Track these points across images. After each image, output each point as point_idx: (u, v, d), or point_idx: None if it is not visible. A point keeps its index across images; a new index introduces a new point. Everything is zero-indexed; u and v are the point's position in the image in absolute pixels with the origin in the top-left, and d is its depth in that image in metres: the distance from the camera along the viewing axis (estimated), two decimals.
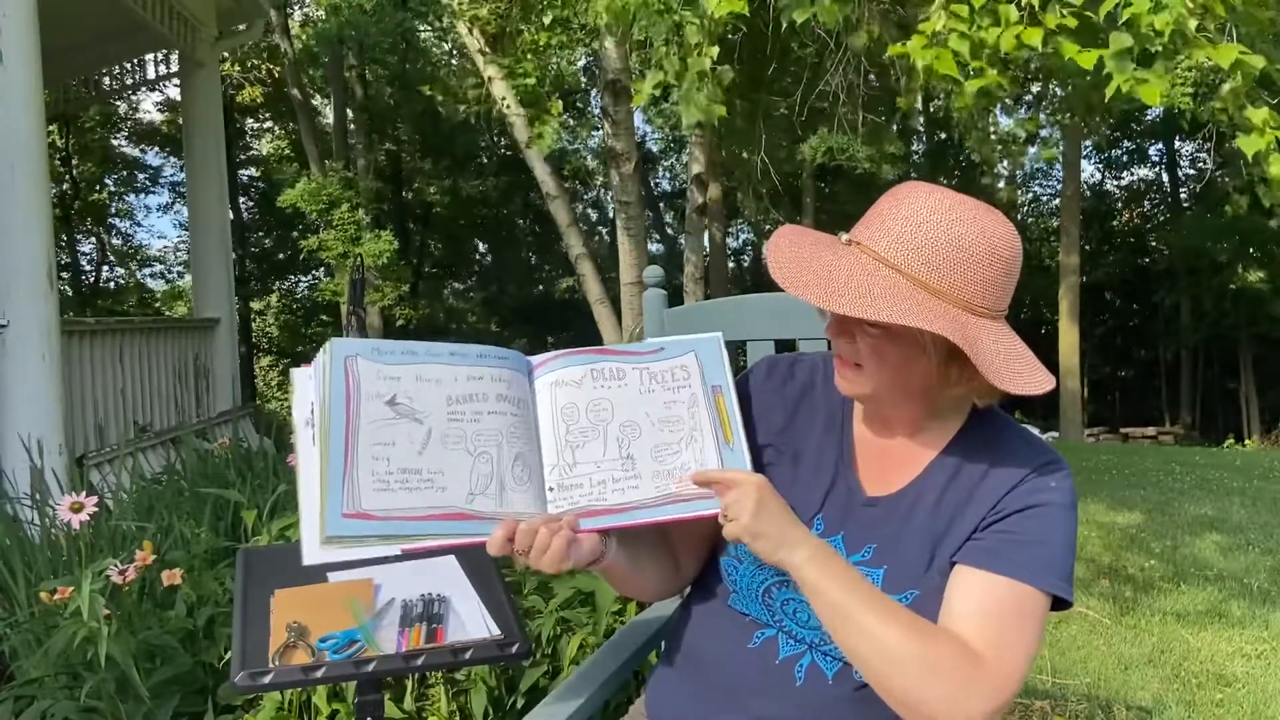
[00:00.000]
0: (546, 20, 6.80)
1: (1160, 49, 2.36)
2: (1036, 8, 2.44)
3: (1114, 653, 3.08)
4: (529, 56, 7.30)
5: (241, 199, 20.01)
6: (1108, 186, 23.60)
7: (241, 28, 7.26)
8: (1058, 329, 15.57)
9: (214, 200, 6.60)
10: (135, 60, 7.53)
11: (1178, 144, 20.81)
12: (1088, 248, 20.32)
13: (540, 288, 24.02)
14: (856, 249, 0.98)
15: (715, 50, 2.93)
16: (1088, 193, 21.15)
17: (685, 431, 1.04)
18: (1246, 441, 15.39)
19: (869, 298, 0.92)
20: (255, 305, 20.84)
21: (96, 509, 2.10)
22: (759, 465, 1.06)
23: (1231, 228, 16.72)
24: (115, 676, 1.94)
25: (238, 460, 3.81)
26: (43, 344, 3.72)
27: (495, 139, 18.73)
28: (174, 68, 7.15)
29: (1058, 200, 19.06)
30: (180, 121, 10.29)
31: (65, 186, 18.19)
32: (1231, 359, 20.16)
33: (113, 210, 20.65)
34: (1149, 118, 18.91)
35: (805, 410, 1.13)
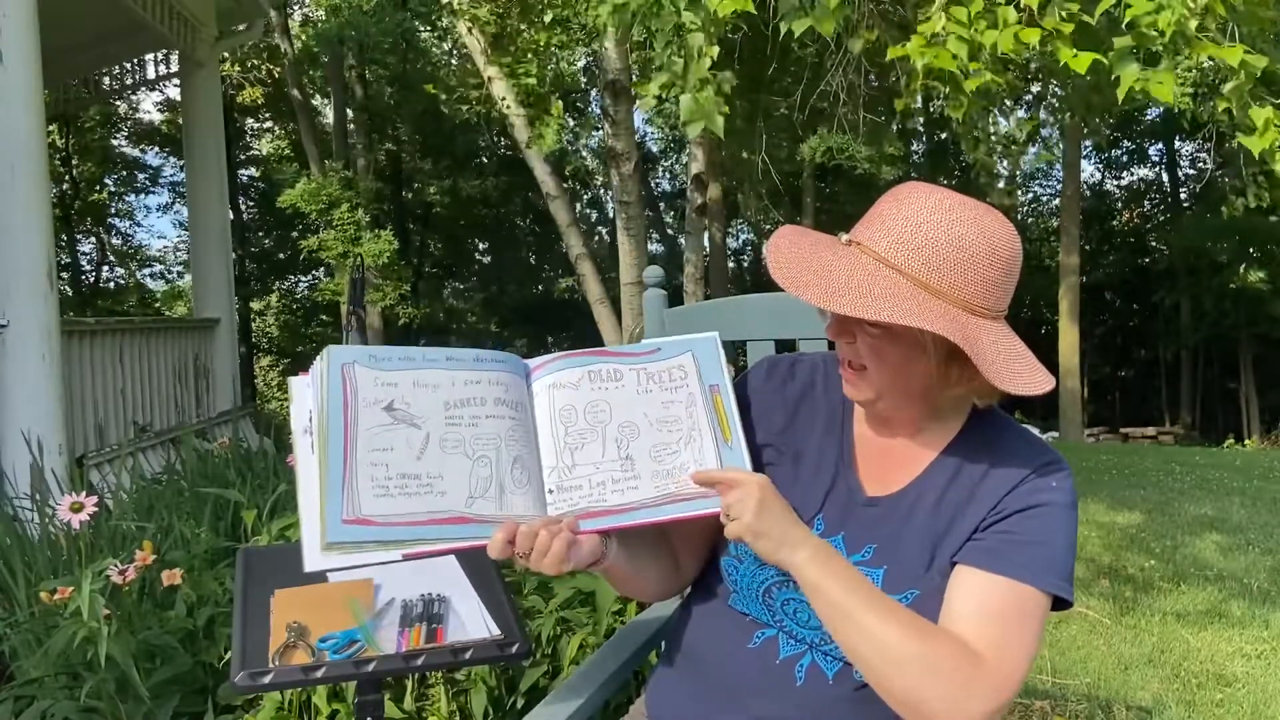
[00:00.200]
0: (547, 20, 6.81)
1: (1162, 48, 2.36)
2: (1035, 10, 2.44)
3: (1114, 653, 3.08)
4: (529, 56, 7.30)
5: (241, 199, 20.01)
6: (1108, 186, 23.62)
7: (241, 28, 7.26)
8: (1058, 329, 15.56)
9: (214, 200, 6.61)
10: (135, 60, 7.54)
11: (1178, 144, 20.82)
12: (1088, 248, 20.32)
13: (540, 288, 24.03)
14: (857, 249, 0.98)
15: (715, 50, 2.93)
16: (1088, 193, 21.16)
17: (684, 431, 1.04)
18: (1246, 441, 15.39)
19: (869, 298, 0.92)
20: (255, 305, 20.84)
21: (96, 509, 2.10)
22: (758, 464, 1.06)
23: (1231, 228, 16.71)
24: (115, 676, 1.94)
25: (238, 460, 3.81)
26: (43, 344, 3.72)
27: (495, 139, 18.74)
28: (174, 68, 7.15)
29: (1058, 200, 19.07)
30: (180, 121, 10.29)
31: (65, 186, 18.19)
32: (1231, 359, 20.16)
33: (113, 210, 20.65)
34: (1149, 118, 18.92)
35: (806, 410, 1.13)
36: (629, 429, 1.03)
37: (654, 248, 20.08)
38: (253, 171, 21.12)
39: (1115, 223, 23.07)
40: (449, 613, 1.10)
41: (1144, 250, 22.69)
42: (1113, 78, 2.46)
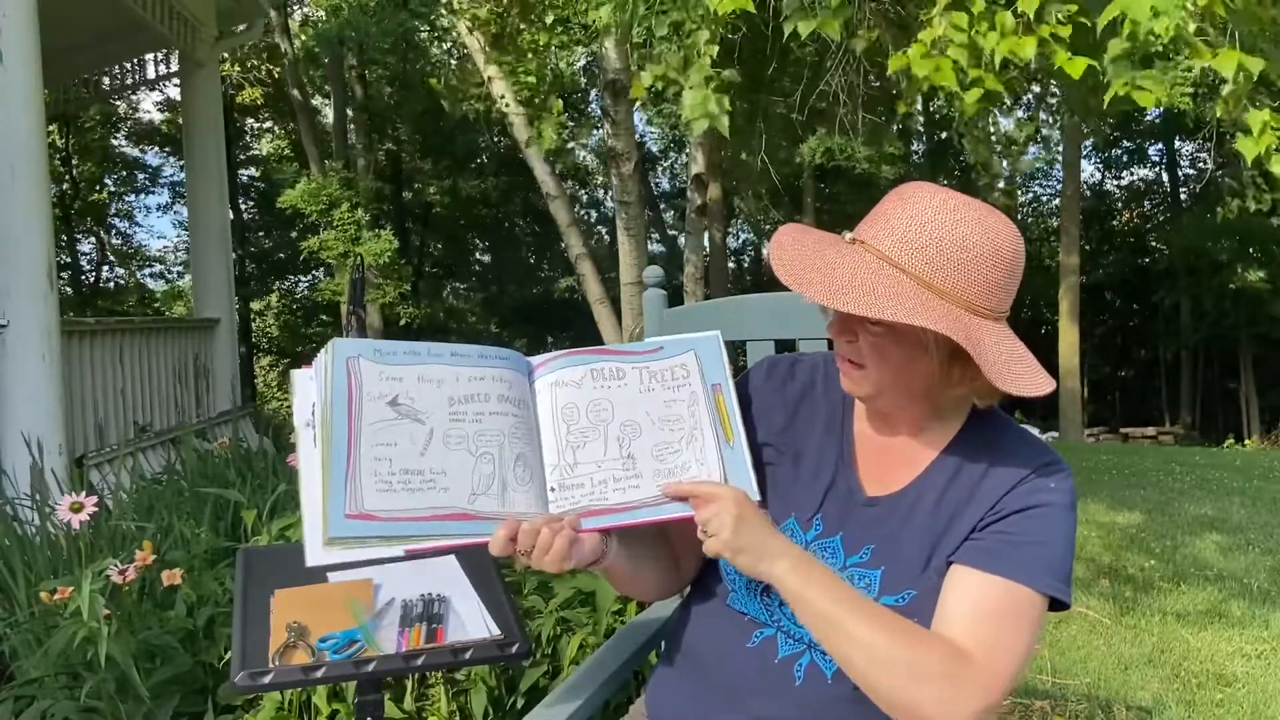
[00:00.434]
0: (548, 20, 6.80)
1: (1159, 50, 2.36)
2: (1032, 16, 2.44)
3: (1114, 653, 3.08)
4: (529, 56, 7.30)
5: (241, 199, 20.01)
6: (1108, 186, 23.62)
7: (241, 28, 7.26)
8: (1058, 329, 15.56)
9: (214, 200, 6.61)
10: (135, 60, 7.54)
11: (1178, 144, 20.81)
12: (1088, 248, 20.32)
13: (540, 288, 24.02)
14: (860, 247, 0.98)
15: (715, 50, 2.93)
16: (1088, 193, 21.15)
17: (685, 430, 1.04)
18: (1246, 441, 15.39)
19: (872, 296, 0.92)
20: (255, 305, 20.83)
21: (96, 509, 2.11)
22: (759, 464, 1.06)
23: (1231, 228, 16.71)
24: (115, 676, 1.94)
25: (238, 460, 3.81)
26: (43, 344, 3.72)
27: (495, 139, 18.74)
28: (174, 68, 7.15)
29: (1058, 200, 19.07)
30: (180, 121, 10.28)
31: (65, 186, 18.19)
32: (1231, 359, 20.16)
33: (113, 210, 20.65)
34: (1149, 118, 18.91)
35: (806, 410, 1.13)
36: (631, 428, 1.03)
37: (654, 248, 20.08)
38: (253, 171, 21.12)
39: (1115, 223, 23.07)
40: (449, 613, 1.09)
41: (1144, 250, 22.68)
42: (1101, 79, 2.46)
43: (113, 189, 20.32)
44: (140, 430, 5.27)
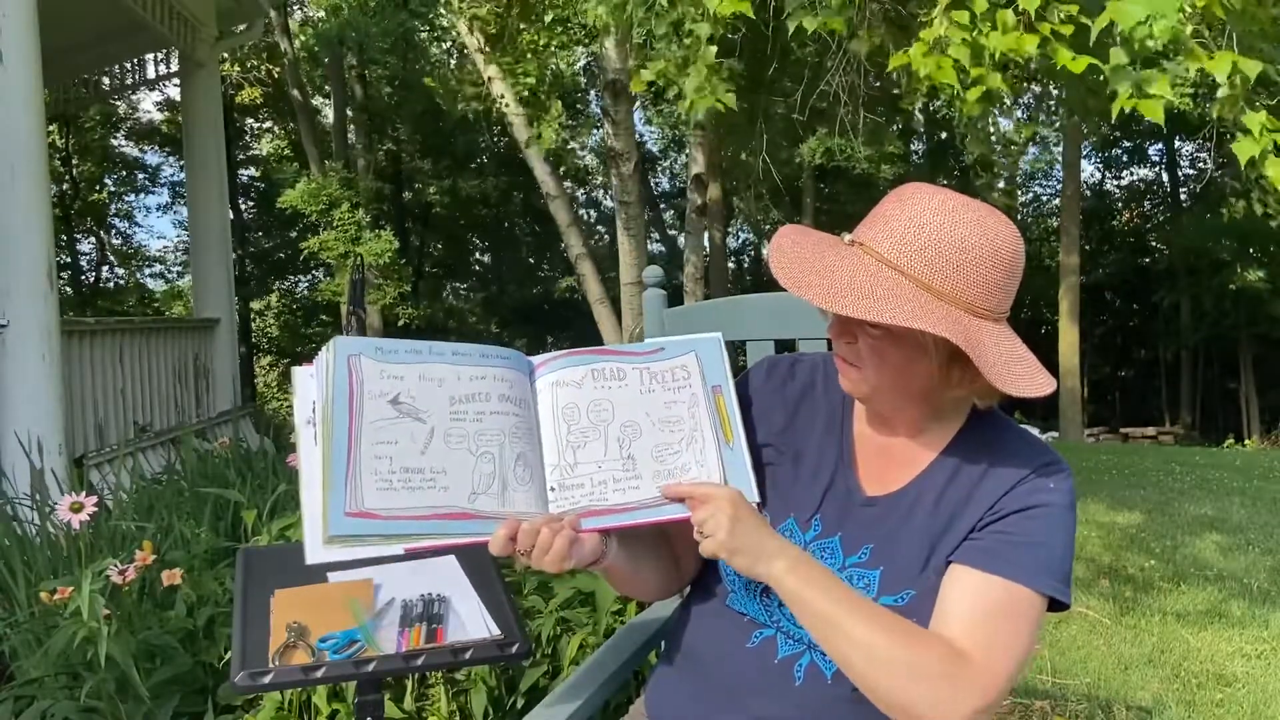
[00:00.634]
0: (547, 20, 6.81)
1: (1159, 52, 2.36)
2: (1033, 15, 2.44)
3: (1114, 653, 3.08)
4: (529, 56, 7.30)
5: (241, 199, 20.01)
6: (1108, 186, 23.62)
7: (241, 28, 7.26)
8: (1058, 329, 15.56)
9: (214, 200, 6.61)
10: (135, 60, 7.54)
11: (1178, 144, 20.80)
12: (1088, 248, 20.32)
13: (540, 288, 24.02)
14: (859, 249, 0.98)
15: (714, 50, 2.93)
16: (1088, 193, 21.15)
17: (685, 431, 1.04)
18: (1246, 441, 15.39)
19: (871, 299, 0.92)
20: (255, 305, 20.84)
21: (96, 509, 2.11)
22: (759, 465, 1.06)
23: (1231, 228, 16.72)
24: (115, 676, 1.94)
25: (238, 460, 3.81)
26: (43, 344, 3.72)
27: (495, 139, 18.74)
28: (174, 68, 7.15)
29: (1058, 200, 19.07)
30: (180, 121, 10.29)
31: (65, 186, 18.19)
32: (1231, 359, 20.16)
33: (112, 210, 20.65)
34: (1149, 118, 18.87)
35: (806, 410, 1.13)
36: (631, 428, 1.03)
37: (654, 248, 20.09)
38: (253, 171, 21.13)
39: (1115, 223, 23.07)
40: (449, 613, 1.09)
41: (1144, 250, 22.69)
42: (1108, 91, 2.46)
43: (113, 189, 20.32)
44: (140, 430, 5.27)
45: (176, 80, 7.14)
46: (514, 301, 22.98)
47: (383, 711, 1.10)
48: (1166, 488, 6.19)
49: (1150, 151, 21.90)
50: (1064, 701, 2.66)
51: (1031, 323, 20.38)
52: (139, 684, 1.92)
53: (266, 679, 1.00)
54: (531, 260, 23.89)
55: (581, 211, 22.49)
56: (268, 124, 20.79)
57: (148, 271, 22.04)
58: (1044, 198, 23.67)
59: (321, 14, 11.57)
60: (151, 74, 7.67)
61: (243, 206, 20.30)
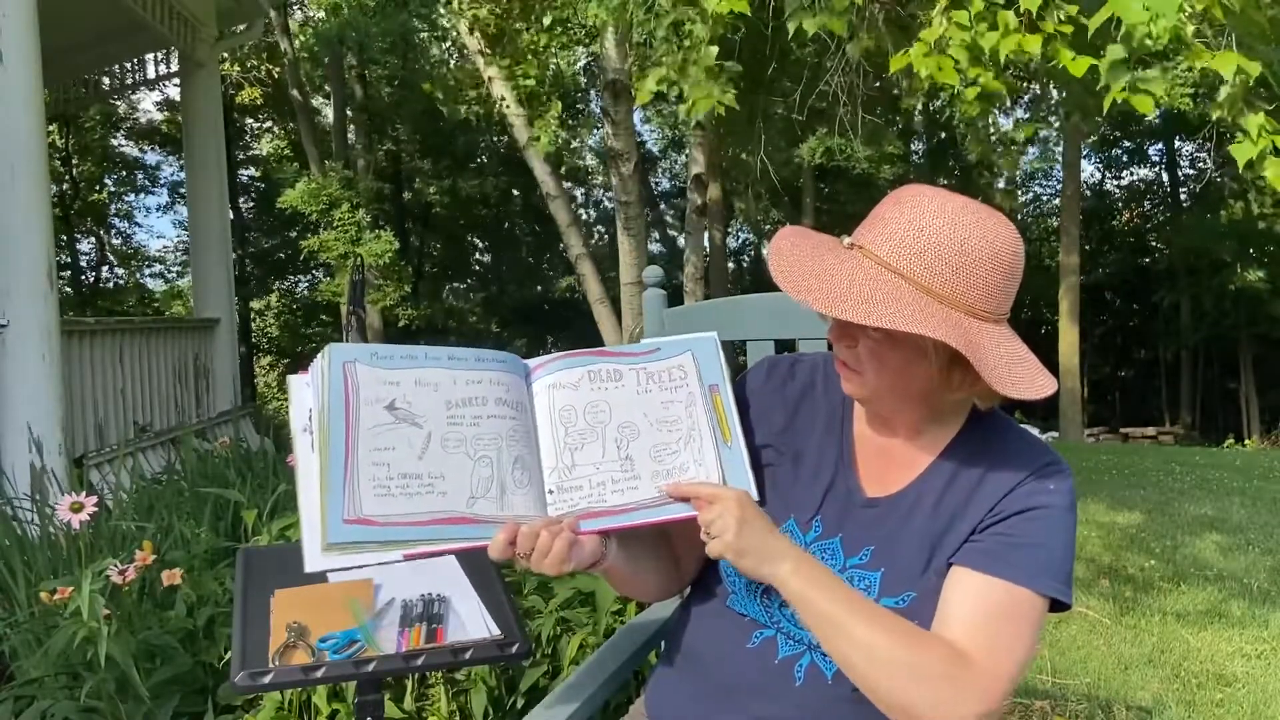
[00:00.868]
0: (546, 21, 6.81)
1: (1159, 51, 2.36)
2: (1034, 15, 2.44)
3: (1114, 653, 3.08)
4: (529, 58, 7.30)
5: (241, 199, 20.01)
6: (1108, 186, 23.62)
7: (241, 28, 7.26)
8: (1058, 329, 15.56)
9: (214, 200, 6.61)
10: (135, 60, 7.54)
11: (1178, 144, 20.82)
12: (1088, 248, 20.32)
13: (540, 288, 24.02)
14: (859, 253, 0.98)
15: (714, 50, 2.93)
16: (1088, 193, 21.15)
17: (683, 431, 1.04)
18: (1246, 441, 15.39)
19: (870, 303, 0.92)
20: (255, 305, 20.84)
21: (96, 509, 2.10)
22: (757, 465, 1.06)
23: (1232, 228, 16.73)
24: (115, 676, 1.94)
25: (238, 460, 3.81)
26: (43, 344, 3.72)
27: (496, 139, 18.74)
28: (174, 68, 7.15)
29: (1058, 200, 19.06)
30: (180, 121, 10.29)
31: (65, 186, 18.19)
32: (1231, 359, 20.16)
33: (112, 210, 20.65)
34: (1149, 118, 18.91)
35: (806, 410, 1.13)
36: (629, 429, 1.03)
37: (654, 248, 20.08)
38: (253, 171, 21.12)
39: (1115, 223, 23.08)
40: (449, 613, 1.10)
41: (1144, 250, 22.69)
42: (1099, 86, 2.46)
43: (113, 189, 20.32)
44: (140, 430, 5.27)
45: (176, 80, 7.14)
46: (514, 301, 22.98)
47: (383, 711, 1.10)
48: (1166, 488, 6.19)
49: (1150, 151, 21.92)
50: (1064, 701, 2.66)
51: (1031, 323, 20.38)
52: (139, 684, 1.92)
53: (266, 679, 1.00)
54: (531, 260, 23.89)
55: (581, 211, 22.49)
56: (268, 124, 20.78)
57: (147, 271, 22.06)
58: (1044, 198, 23.69)
59: (321, 14, 11.57)
60: (151, 74, 7.67)
61: (243, 206, 20.30)
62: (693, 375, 1.08)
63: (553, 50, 7.58)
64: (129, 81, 8.09)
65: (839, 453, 1.09)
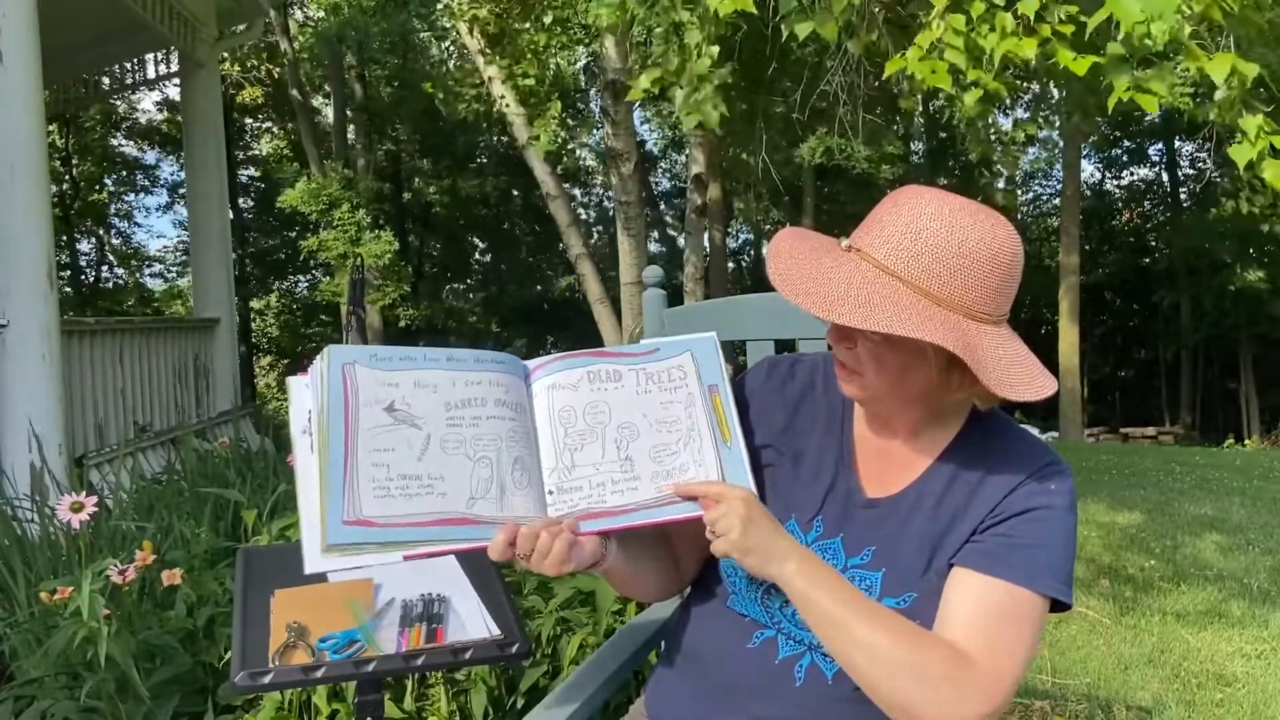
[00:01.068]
0: (546, 21, 6.80)
1: (1158, 52, 2.36)
2: (1032, 18, 2.44)
3: (1114, 653, 3.08)
4: (529, 57, 7.30)
5: (241, 199, 20.00)
6: (1108, 186, 23.61)
7: (241, 28, 7.26)
8: (1058, 329, 15.56)
9: (214, 200, 6.61)
10: (135, 60, 7.54)
11: (1178, 144, 20.80)
12: (1088, 248, 20.31)
13: (540, 288, 24.02)
14: (856, 256, 0.97)
15: (715, 50, 2.93)
16: (1088, 193, 21.14)
17: (683, 432, 1.04)
18: (1246, 441, 15.39)
19: (868, 307, 0.92)
20: (255, 305, 20.84)
21: (96, 509, 2.11)
22: (757, 465, 1.06)
23: (1232, 228, 16.72)
24: (115, 676, 1.94)
25: (238, 460, 3.81)
26: (43, 344, 3.72)
27: (496, 139, 18.74)
28: (174, 68, 7.15)
29: (1058, 200, 19.06)
30: (180, 121, 10.29)
31: (65, 186, 18.19)
32: (1231, 359, 20.15)
33: (112, 210, 20.65)
34: (1149, 118, 18.90)
35: (806, 411, 1.13)
36: (628, 430, 1.03)
37: (654, 248, 20.07)
38: (253, 171, 21.12)
39: (1115, 223, 23.07)
40: (449, 613, 1.10)
41: (1144, 250, 22.67)
42: (1104, 85, 2.46)
43: (113, 189, 20.31)
44: (140, 430, 5.27)
45: (176, 80, 7.14)
46: (514, 301, 22.97)
47: (383, 711, 1.10)
48: (1166, 488, 6.19)
49: (1150, 151, 21.90)
50: (1064, 701, 2.66)
51: (1031, 323, 20.37)
52: (139, 684, 1.92)
53: (266, 679, 1.00)
54: (531, 260, 23.88)
55: (581, 211, 22.49)
56: (268, 124, 20.78)
57: (147, 271, 22.05)
58: (1044, 198, 23.68)
59: (321, 14, 11.57)
60: (151, 74, 7.67)
61: (243, 206, 20.29)
62: (692, 375, 1.07)
63: (553, 50, 7.58)
64: (129, 81, 8.09)
65: (839, 453, 1.09)
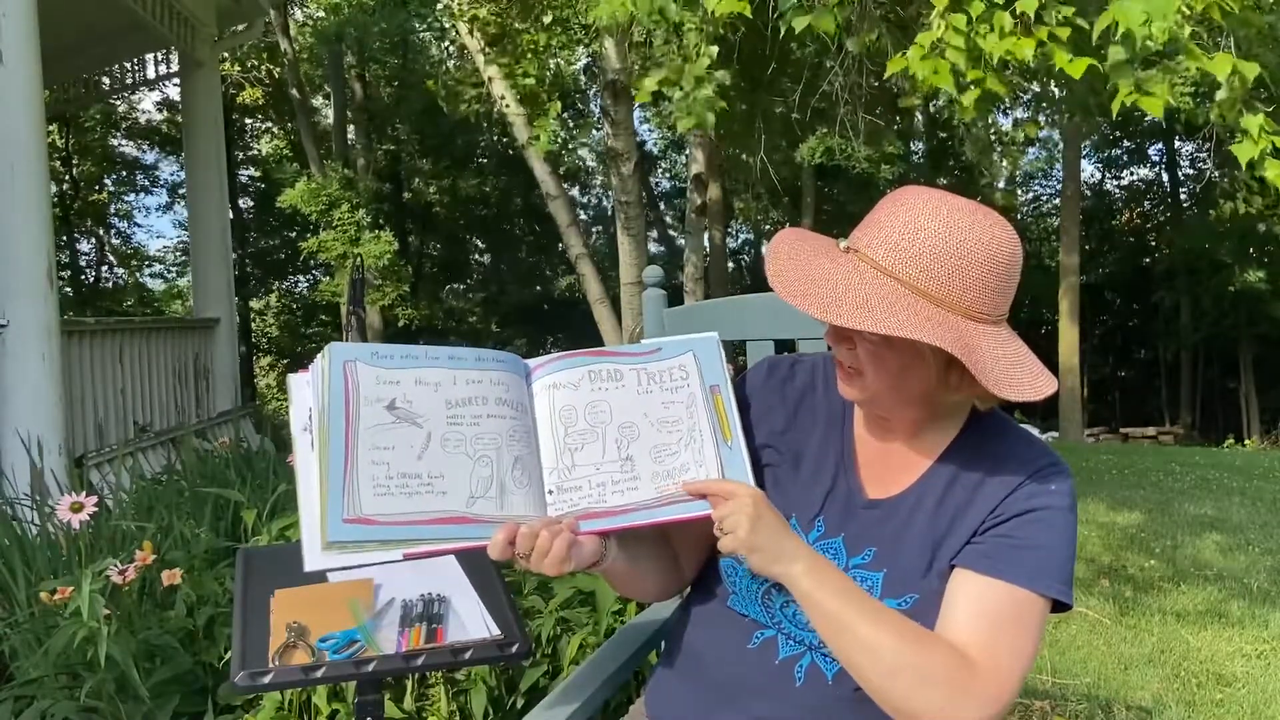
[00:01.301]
0: (546, 20, 6.80)
1: (1158, 52, 2.37)
2: (1031, 17, 2.44)
3: (1114, 653, 3.08)
4: (529, 57, 7.29)
5: (241, 199, 20.00)
6: (1108, 186, 23.60)
7: (241, 28, 7.26)
8: (1058, 329, 15.56)
9: (214, 200, 6.60)
10: (135, 60, 7.54)
11: (1178, 144, 20.80)
12: (1088, 248, 20.31)
13: (540, 288, 24.01)
14: (855, 257, 0.97)
15: (714, 50, 2.93)
16: (1088, 193, 21.14)
17: (684, 432, 1.04)
18: (1246, 441, 15.39)
19: (866, 308, 0.92)
20: (255, 305, 20.83)
21: (96, 509, 2.10)
22: (757, 465, 1.06)
23: (1232, 228, 16.72)
24: (115, 676, 1.94)
25: (238, 460, 3.81)
26: (43, 344, 3.72)
27: (496, 139, 18.74)
28: (174, 67, 7.15)
29: (1058, 200, 19.06)
30: (180, 121, 10.29)
31: (65, 186, 18.18)
32: (1231, 359, 20.15)
33: (112, 210, 20.65)
34: (1149, 118, 18.87)
35: (806, 411, 1.13)
36: (629, 429, 1.03)
37: (654, 248, 20.07)
38: (253, 171, 21.10)
39: (1115, 223, 23.06)
40: (449, 613, 1.10)
41: (1144, 250, 22.67)
42: (1108, 86, 2.46)
43: (112, 189, 20.31)
44: (140, 430, 5.27)
45: (176, 80, 7.14)
46: (514, 301, 22.96)
47: (383, 711, 1.10)
48: (1166, 488, 6.19)
49: (1150, 152, 21.90)
50: (1064, 701, 2.66)
51: (1031, 323, 20.36)
52: (139, 684, 1.92)
53: (266, 679, 1.00)
54: (531, 260, 23.88)
55: (581, 212, 22.49)
56: (268, 124, 20.77)
57: (147, 271, 22.04)
58: (1044, 198, 23.68)
59: (321, 14, 11.57)
60: (151, 74, 7.67)
61: (243, 206, 20.28)
62: (694, 375, 1.07)
63: (553, 49, 7.58)
64: (129, 81, 8.08)
65: (839, 454, 1.09)
